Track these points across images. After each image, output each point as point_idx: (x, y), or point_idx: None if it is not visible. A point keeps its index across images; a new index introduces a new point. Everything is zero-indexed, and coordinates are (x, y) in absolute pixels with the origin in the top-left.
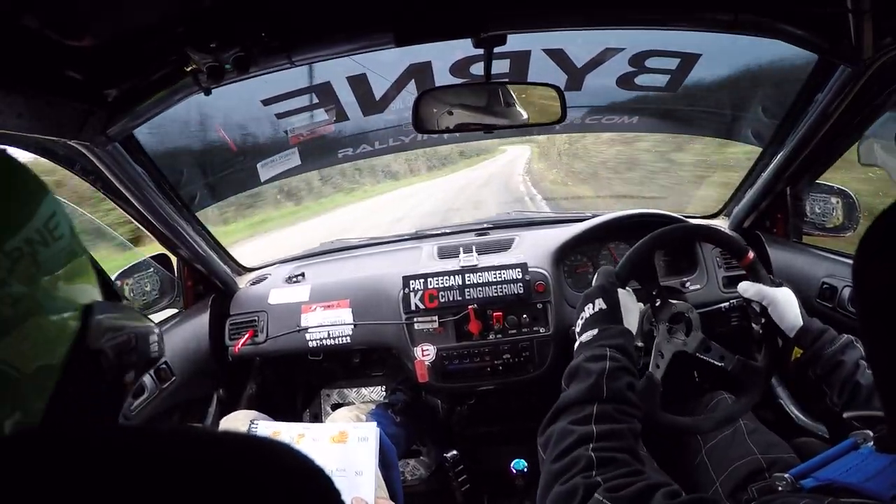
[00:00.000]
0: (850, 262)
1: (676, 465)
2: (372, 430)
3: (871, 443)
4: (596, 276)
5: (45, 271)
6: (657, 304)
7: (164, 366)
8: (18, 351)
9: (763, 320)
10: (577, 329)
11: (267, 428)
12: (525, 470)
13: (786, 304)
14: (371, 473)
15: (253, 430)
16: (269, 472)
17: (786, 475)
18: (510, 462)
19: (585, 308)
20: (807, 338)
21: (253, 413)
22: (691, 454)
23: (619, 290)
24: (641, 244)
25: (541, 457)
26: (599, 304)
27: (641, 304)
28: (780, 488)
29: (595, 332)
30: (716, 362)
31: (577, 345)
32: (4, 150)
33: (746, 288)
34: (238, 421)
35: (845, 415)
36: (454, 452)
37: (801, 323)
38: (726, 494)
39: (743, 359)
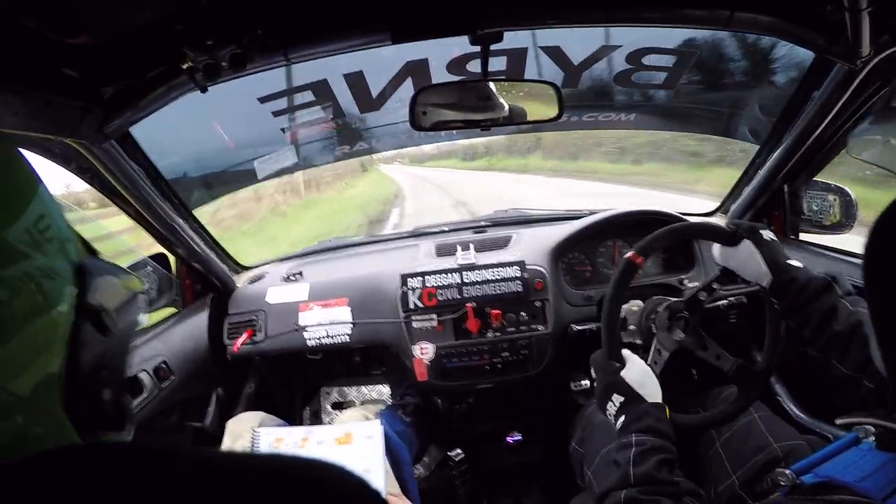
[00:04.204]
0: (848, 258)
1: (689, 458)
2: (377, 428)
3: (872, 438)
4: (593, 371)
5: (38, 275)
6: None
7: (162, 365)
8: (13, 371)
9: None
10: (611, 419)
11: (269, 434)
12: (520, 438)
13: (747, 260)
14: (379, 470)
15: (256, 437)
16: (324, 499)
17: (787, 471)
18: (507, 435)
19: (607, 407)
20: (776, 290)
21: (261, 414)
22: (704, 446)
23: (623, 371)
24: (606, 312)
25: None
26: (616, 399)
27: (646, 364)
28: (782, 483)
29: (623, 419)
30: (712, 361)
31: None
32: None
33: (713, 253)
34: (245, 423)
35: (838, 421)
36: (458, 451)
37: (770, 275)
38: (742, 485)
39: (740, 361)
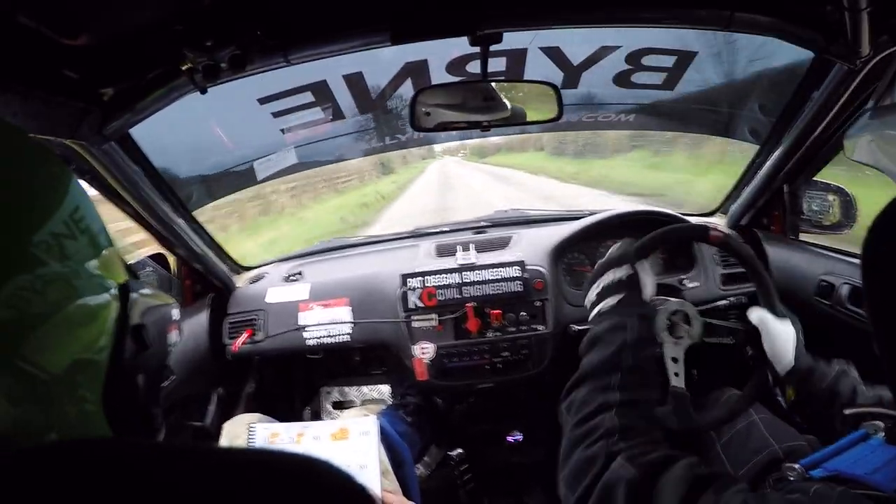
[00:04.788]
0: (848, 259)
1: None
2: (372, 424)
3: (882, 433)
4: (615, 246)
5: (74, 263)
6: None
7: None
8: (45, 349)
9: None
10: (593, 297)
11: (265, 430)
12: (520, 438)
13: (781, 339)
14: (375, 466)
15: (251, 432)
16: (311, 494)
17: (796, 465)
18: (507, 434)
19: (605, 275)
20: (795, 378)
21: (257, 416)
22: (705, 448)
23: (639, 263)
24: (668, 230)
25: (563, 420)
26: (621, 273)
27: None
28: (791, 478)
29: (615, 300)
30: (725, 340)
31: (594, 312)
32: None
33: (750, 313)
34: (242, 424)
35: (847, 412)
36: (459, 451)
37: (793, 363)
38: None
39: (752, 326)
